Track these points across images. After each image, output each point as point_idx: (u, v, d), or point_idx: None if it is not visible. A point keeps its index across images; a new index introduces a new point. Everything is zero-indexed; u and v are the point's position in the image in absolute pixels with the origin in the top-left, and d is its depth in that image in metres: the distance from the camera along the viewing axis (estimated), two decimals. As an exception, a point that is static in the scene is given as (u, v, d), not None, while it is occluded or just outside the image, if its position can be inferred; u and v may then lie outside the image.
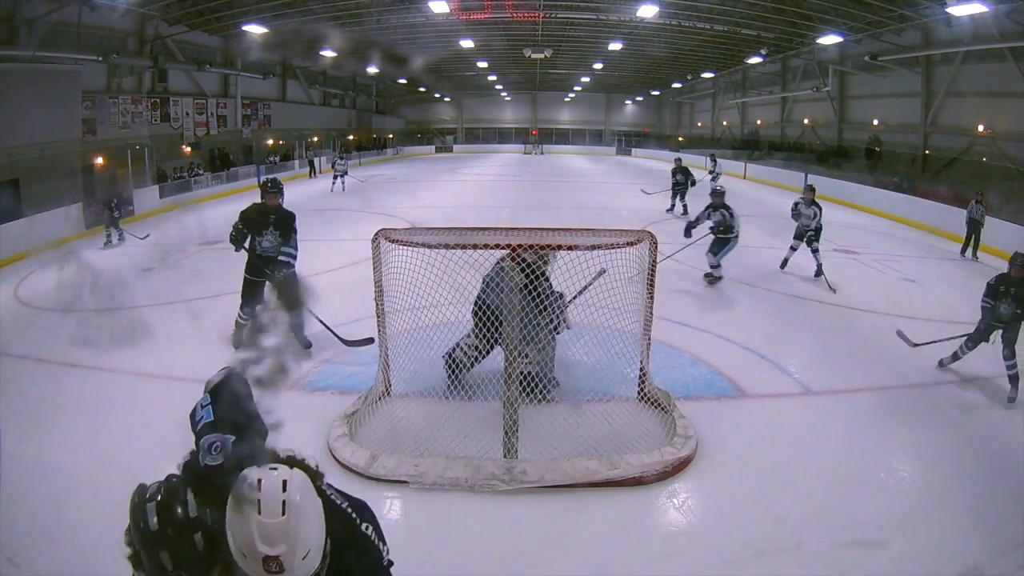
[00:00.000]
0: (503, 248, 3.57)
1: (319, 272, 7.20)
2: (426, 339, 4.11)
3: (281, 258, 4.99)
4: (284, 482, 1.18)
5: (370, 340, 4.60)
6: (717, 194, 7.46)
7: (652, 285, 4.11)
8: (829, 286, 7.42)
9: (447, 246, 3.72)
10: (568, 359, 4.29)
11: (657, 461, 3.50)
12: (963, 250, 10.28)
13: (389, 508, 3.31)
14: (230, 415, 1.50)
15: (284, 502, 1.16)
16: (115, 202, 11.10)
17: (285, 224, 5.10)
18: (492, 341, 4.08)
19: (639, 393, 4.20)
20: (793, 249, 8.22)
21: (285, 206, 5.26)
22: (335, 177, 18.39)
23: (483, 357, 4.29)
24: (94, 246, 10.11)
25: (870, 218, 14.13)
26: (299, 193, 18.70)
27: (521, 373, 3.82)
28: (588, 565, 2.86)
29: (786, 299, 6.78)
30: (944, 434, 4.08)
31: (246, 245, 5.14)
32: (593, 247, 3.77)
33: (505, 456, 3.53)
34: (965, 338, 4.94)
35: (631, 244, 3.88)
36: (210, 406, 1.54)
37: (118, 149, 15.83)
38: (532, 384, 3.90)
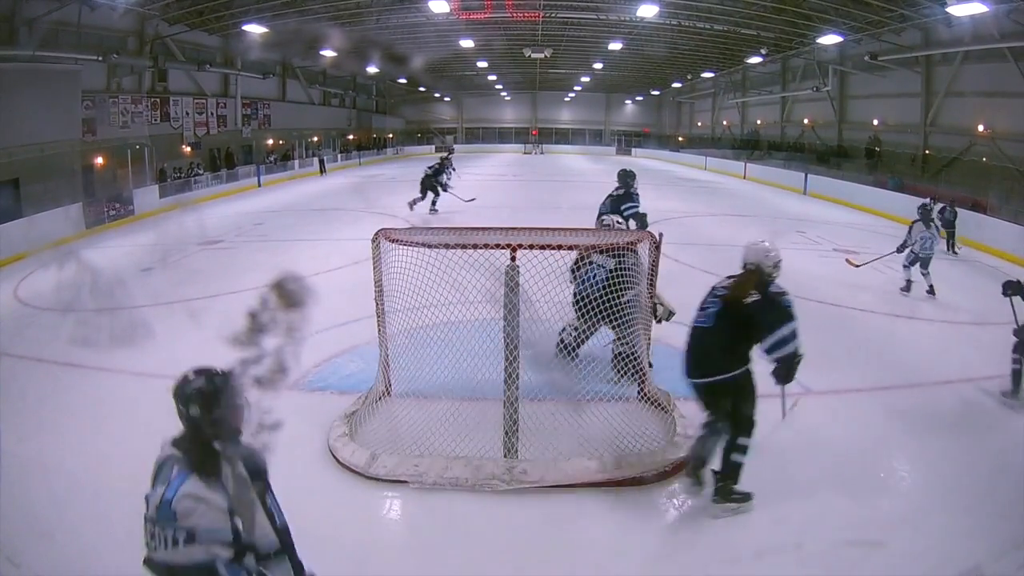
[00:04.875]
0: (503, 248, 3.56)
1: (319, 272, 7.21)
2: (426, 339, 4.11)
3: None
4: None
5: None
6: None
7: (652, 285, 4.11)
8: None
9: (447, 246, 3.71)
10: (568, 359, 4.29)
11: (657, 461, 3.50)
12: None
13: (389, 508, 3.31)
14: None
15: None
16: None
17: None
18: (594, 324, 4.19)
19: (639, 393, 4.20)
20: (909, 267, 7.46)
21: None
22: None
23: (587, 338, 4.36)
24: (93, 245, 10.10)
25: (870, 218, 14.10)
26: (299, 192, 18.74)
27: (617, 353, 4.03)
28: (588, 565, 2.86)
29: (786, 299, 6.76)
30: (944, 434, 4.07)
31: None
32: (593, 247, 3.78)
33: (505, 456, 3.53)
34: None
35: (631, 244, 3.89)
36: None
37: (118, 149, 15.84)
38: (624, 364, 4.05)
